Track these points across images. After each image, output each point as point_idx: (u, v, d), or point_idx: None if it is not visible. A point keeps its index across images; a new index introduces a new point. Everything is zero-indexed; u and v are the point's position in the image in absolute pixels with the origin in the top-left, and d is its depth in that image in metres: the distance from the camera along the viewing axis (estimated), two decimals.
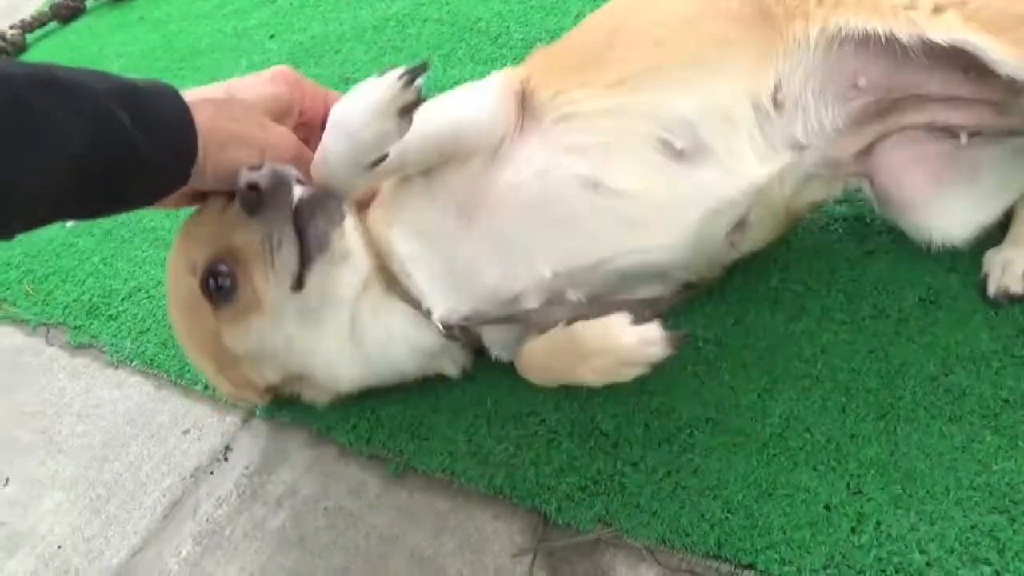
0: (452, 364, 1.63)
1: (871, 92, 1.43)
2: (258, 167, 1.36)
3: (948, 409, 1.39)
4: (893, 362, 1.47)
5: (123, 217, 2.47)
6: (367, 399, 1.68)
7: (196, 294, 1.44)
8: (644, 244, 1.43)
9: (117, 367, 2.06)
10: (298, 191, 1.41)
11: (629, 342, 1.34)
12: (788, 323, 1.57)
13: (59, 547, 1.71)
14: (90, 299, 2.24)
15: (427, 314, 1.52)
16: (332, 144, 1.36)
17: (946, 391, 1.41)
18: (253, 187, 1.36)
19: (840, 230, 1.69)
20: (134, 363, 2.03)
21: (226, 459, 1.73)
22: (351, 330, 1.53)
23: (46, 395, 2.08)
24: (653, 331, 1.32)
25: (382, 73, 1.31)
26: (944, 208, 1.51)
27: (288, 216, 1.40)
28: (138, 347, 2.04)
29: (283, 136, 1.41)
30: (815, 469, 1.38)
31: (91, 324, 2.17)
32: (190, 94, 1.30)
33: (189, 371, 1.93)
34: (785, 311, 1.59)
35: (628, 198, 1.40)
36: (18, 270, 2.47)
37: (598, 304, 1.48)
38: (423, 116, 1.35)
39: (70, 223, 2.55)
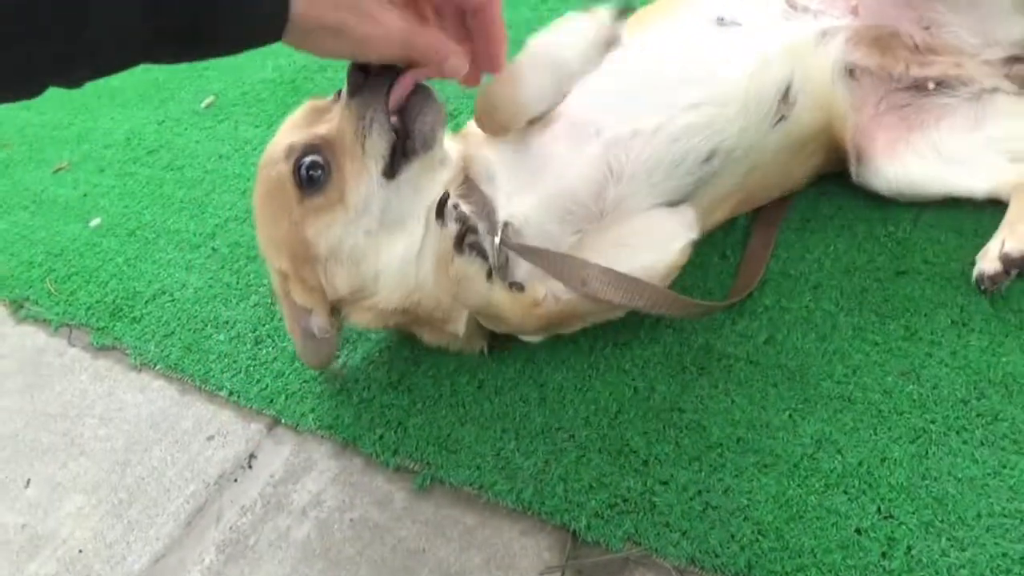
0: (464, 318, 1.62)
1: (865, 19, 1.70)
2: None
3: (980, 434, 1.38)
4: (925, 385, 1.46)
5: (148, 218, 2.48)
6: (393, 409, 1.68)
7: (286, 180, 1.47)
8: (699, 97, 1.56)
9: (140, 370, 2.04)
10: (408, 80, 1.40)
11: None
12: (820, 343, 1.57)
13: (80, 551, 1.70)
14: (113, 300, 2.23)
15: (494, 219, 1.56)
16: (532, 75, 1.46)
17: (978, 415, 1.40)
18: (362, 68, 1.38)
19: (872, 249, 1.69)
20: (158, 367, 2.01)
21: (250, 467, 1.72)
22: (421, 241, 1.54)
23: (68, 397, 2.06)
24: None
25: (587, 10, 1.43)
26: (911, 160, 1.65)
27: (382, 100, 1.41)
28: (162, 351, 2.03)
29: (388, 30, 1.24)
30: (846, 492, 1.37)
31: (114, 326, 2.16)
32: None
33: (214, 376, 1.92)
34: (817, 331, 1.59)
35: (683, 61, 1.56)
36: (41, 268, 2.46)
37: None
38: None
39: (94, 222, 2.53)
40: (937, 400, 1.44)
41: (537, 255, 1.49)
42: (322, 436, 1.71)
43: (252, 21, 1.07)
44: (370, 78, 1.39)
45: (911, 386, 1.47)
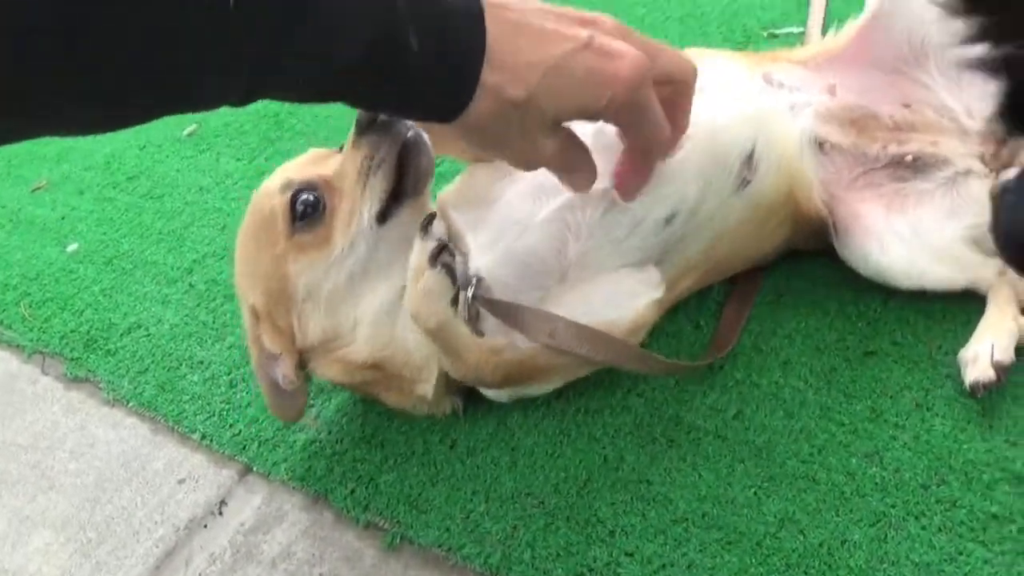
0: (433, 382, 1.65)
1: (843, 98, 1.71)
2: None
3: (938, 520, 1.41)
4: (888, 468, 1.49)
5: (125, 247, 2.49)
6: (365, 464, 1.69)
7: (277, 213, 1.51)
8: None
9: (113, 406, 2.05)
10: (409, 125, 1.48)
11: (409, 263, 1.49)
12: (787, 420, 1.59)
13: None
14: (88, 331, 2.24)
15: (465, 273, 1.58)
16: None
17: (937, 501, 1.43)
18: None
19: (843, 327, 1.72)
20: (131, 404, 2.02)
21: (221, 513, 1.74)
22: (397, 296, 1.58)
23: (39, 428, 2.07)
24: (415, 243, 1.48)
25: None
26: (891, 243, 1.65)
27: (396, 144, 1.48)
28: (135, 387, 2.04)
29: (538, 156, 1.25)
30: (806, 573, 1.39)
31: (88, 358, 2.17)
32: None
33: (187, 418, 1.93)
34: (785, 408, 1.61)
35: None
36: (15, 291, 2.46)
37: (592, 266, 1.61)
38: None
39: (71, 247, 2.54)
40: (898, 484, 1.47)
41: (505, 309, 1.52)
42: (293, 487, 1.73)
43: (436, 90, 1.09)
44: (382, 118, 1.45)
45: (874, 468, 1.49)
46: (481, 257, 1.56)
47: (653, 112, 1.27)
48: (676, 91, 1.31)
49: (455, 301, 1.49)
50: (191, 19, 0.85)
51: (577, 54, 1.14)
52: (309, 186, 1.50)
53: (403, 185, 1.51)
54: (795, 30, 2.52)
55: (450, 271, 1.48)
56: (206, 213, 2.58)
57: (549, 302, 1.59)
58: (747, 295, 1.79)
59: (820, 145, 1.71)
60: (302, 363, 1.65)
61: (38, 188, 2.94)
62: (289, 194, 1.50)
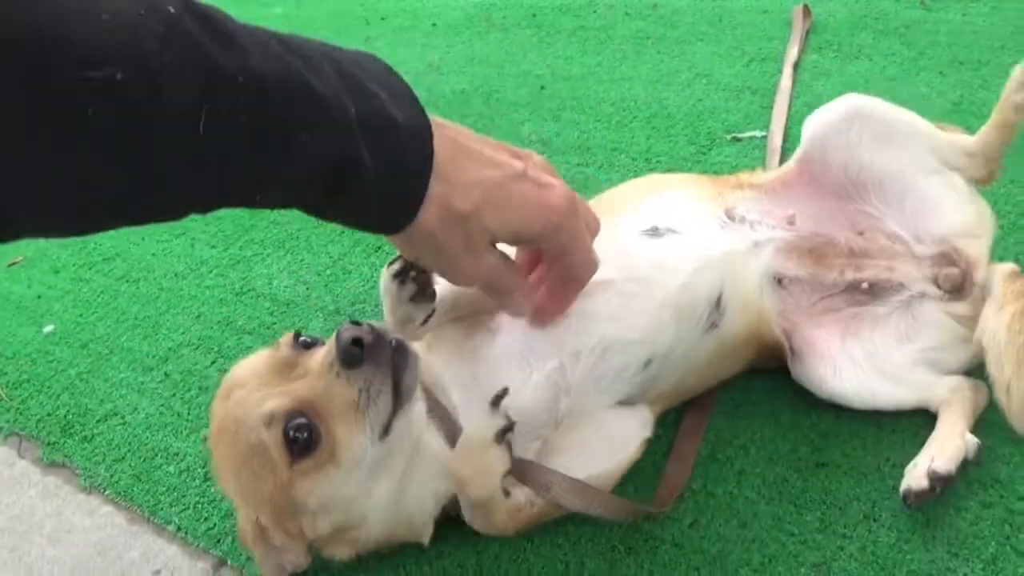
0: (431, 530, 1.68)
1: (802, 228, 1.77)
2: (358, 323, 1.45)
3: None
4: None
5: (101, 331, 2.54)
6: (336, 564, 1.72)
7: (269, 446, 1.47)
8: (637, 309, 1.64)
9: (90, 492, 2.08)
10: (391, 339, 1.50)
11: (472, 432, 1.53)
12: (740, 529, 1.65)
13: None
14: (65, 415, 2.28)
15: (455, 432, 1.63)
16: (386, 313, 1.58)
17: None
18: (357, 342, 1.44)
19: (796, 439, 1.78)
20: (107, 492, 2.06)
21: None
22: (406, 474, 1.60)
23: (16, 511, 2.10)
24: (481, 415, 1.54)
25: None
26: (844, 367, 1.72)
27: (388, 369, 1.48)
28: (112, 475, 2.08)
29: (481, 269, 1.31)
30: None
31: (64, 443, 2.21)
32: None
33: (162, 509, 1.97)
34: (739, 517, 1.67)
35: (620, 274, 1.62)
36: None
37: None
38: None
39: (47, 328, 2.58)
40: None
41: (515, 463, 1.57)
42: None
43: (386, 203, 1.15)
44: (367, 347, 1.45)
45: None
46: (477, 415, 1.59)
47: (584, 240, 1.38)
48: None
49: (506, 475, 1.55)
50: (160, 142, 0.91)
51: (514, 182, 1.26)
52: (296, 415, 1.45)
53: (399, 399, 1.50)
54: (758, 134, 2.59)
55: (509, 449, 1.55)
56: (181, 300, 2.63)
57: (548, 450, 1.66)
58: (704, 408, 1.87)
59: (779, 281, 1.79)
60: (310, 548, 1.67)
61: (14, 263, 2.98)
62: (279, 428, 1.44)
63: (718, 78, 2.90)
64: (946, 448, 1.60)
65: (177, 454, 2.07)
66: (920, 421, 1.73)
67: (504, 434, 1.52)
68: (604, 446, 1.67)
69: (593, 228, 1.43)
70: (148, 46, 0.87)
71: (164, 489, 2.02)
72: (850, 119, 1.78)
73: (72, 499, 2.10)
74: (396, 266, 1.55)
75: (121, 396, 2.31)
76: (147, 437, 2.17)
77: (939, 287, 1.75)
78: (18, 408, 2.36)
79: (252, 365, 1.58)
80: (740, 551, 1.63)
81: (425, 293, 1.58)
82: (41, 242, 3.02)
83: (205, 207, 1.02)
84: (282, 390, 1.49)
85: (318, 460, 1.48)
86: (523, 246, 1.36)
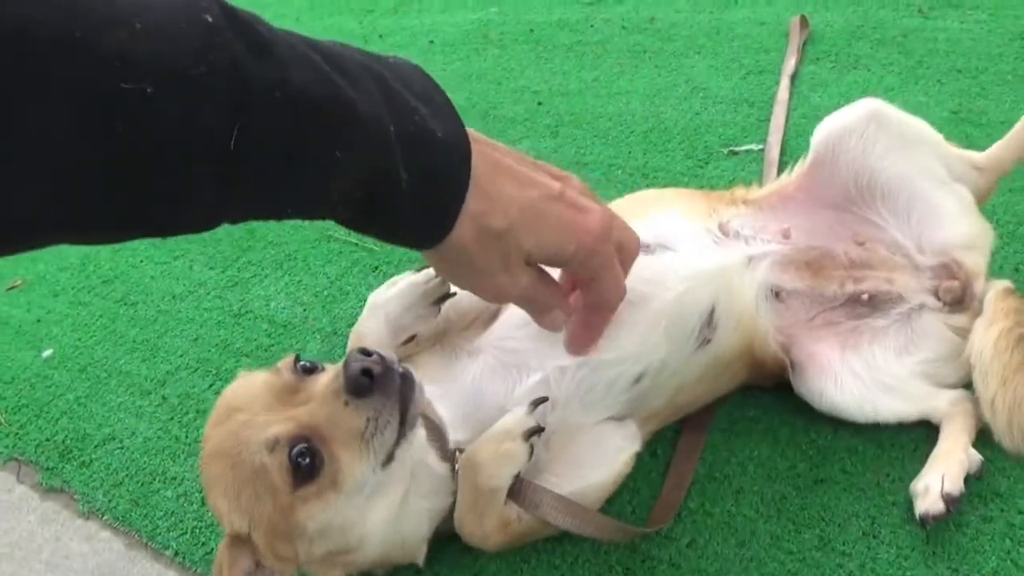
0: (426, 550, 1.68)
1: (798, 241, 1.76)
2: (368, 353, 1.44)
3: None
4: None
5: (100, 354, 2.54)
6: None
7: (272, 470, 1.46)
8: (624, 330, 1.63)
9: (88, 518, 2.08)
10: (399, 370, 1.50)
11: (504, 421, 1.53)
12: (738, 548, 1.65)
13: None
14: (63, 440, 2.28)
15: (447, 447, 1.64)
16: (370, 324, 1.61)
17: None
18: (367, 372, 1.43)
19: (794, 456, 1.77)
20: (105, 517, 2.06)
21: None
22: (402, 496, 1.60)
23: (15, 537, 2.10)
24: (520, 409, 1.55)
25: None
26: (845, 380, 1.71)
27: (396, 400, 1.48)
28: (110, 501, 2.08)
29: (515, 287, 1.27)
30: None
31: (63, 468, 2.20)
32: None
33: (160, 534, 1.97)
34: (736, 536, 1.67)
35: None
36: None
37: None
38: None
39: (46, 353, 2.58)
40: None
41: None
42: None
43: (421, 219, 1.12)
44: (377, 378, 1.44)
45: None
46: (463, 432, 1.61)
47: (615, 268, 1.35)
48: (623, 259, 1.39)
49: (517, 474, 1.56)
50: (189, 157, 0.88)
51: (551, 202, 1.23)
52: (300, 440, 1.44)
53: (404, 428, 1.50)
54: (755, 147, 2.58)
55: (531, 451, 1.56)
56: (179, 323, 2.62)
57: (536, 466, 1.64)
58: (701, 426, 1.86)
59: (776, 295, 1.78)
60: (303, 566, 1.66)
61: (13, 287, 2.98)
62: (284, 453, 1.44)
63: (715, 91, 2.89)
64: (952, 467, 1.59)
65: (175, 478, 2.06)
66: (918, 436, 1.72)
67: (532, 435, 1.55)
68: (590, 460, 1.66)
69: (632, 250, 1.41)
70: (183, 61, 0.85)
71: (162, 514, 2.02)
72: (867, 122, 1.78)
73: (71, 524, 2.09)
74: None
75: (119, 420, 2.31)
76: (145, 461, 2.16)
77: (939, 299, 1.74)
78: (17, 433, 2.35)
79: (250, 389, 1.56)
80: (738, 570, 1.62)
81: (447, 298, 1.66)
82: (40, 266, 3.04)
83: (234, 219, 1.00)
84: (286, 416, 1.48)
85: (320, 486, 1.47)
86: (557, 267, 1.34)
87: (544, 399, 1.57)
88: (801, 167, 1.89)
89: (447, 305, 1.74)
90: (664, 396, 1.73)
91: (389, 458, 1.50)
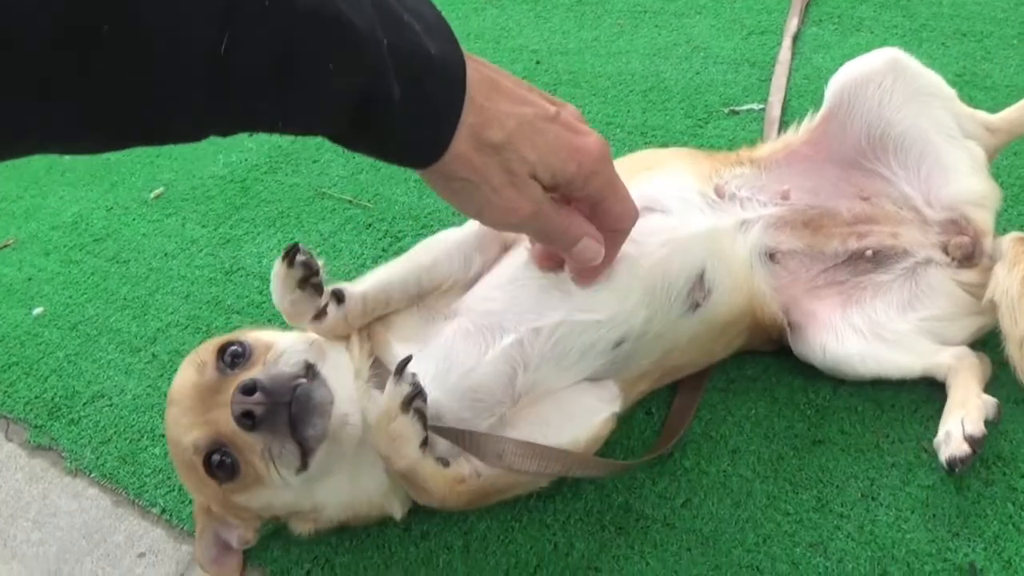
0: (400, 503, 1.66)
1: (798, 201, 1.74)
2: (252, 389, 1.43)
3: None
4: (832, 558, 1.52)
5: (90, 312, 2.51)
6: (321, 546, 1.72)
7: (199, 469, 1.52)
8: (600, 294, 1.59)
9: (75, 475, 2.06)
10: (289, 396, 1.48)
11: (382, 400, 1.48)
12: (734, 509, 1.62)
13: None
14: (52, 398, 2.25)
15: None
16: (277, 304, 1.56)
17: None
18: (248, 415, 1.43)
19: (792, 415, 1.74)
20: (93, 474, 2.03)
21: None
22: (355, 467, 1.60)
23: (2, 495, 2.08)
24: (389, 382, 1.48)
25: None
26: (847, 335, 1.68)
27: (286, 433, 1.47)
28: (97, 458, 2.06)
29: (525, 201, 1.23)
30: None
31: (51, 425, 2.18)
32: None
33: (147, 491, 1.95)
34: (732, 496, 1.64)
35: None
36: None
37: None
38: (409, 256, 1.65)
39: (37, 311, 2.55)
40: (842, 575, 1.49)
41: (454, 435, 1.54)
42: (251, 566, 1.74)
43: (415, 136, 1.10)
44: (259, 418, 1.43)
45: (818, 558, 1.52)
46: (430, 392, 1.55)
47: (620, 188, 1.33)
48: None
49: (424, 443, 1.51)
50: (179, 64, 0.86)
51: (547, 122, 1.21)
52: (215, 446, 1.49)
53: (307, 447, 1.49)
54: (756, 107, 2.55)
55: (421, 416, 1.50)
56: (170, 280, 2.59)
57: (506, 425, 1.61)
58: (698, 384, 1.81)
59: (771, 257, 1.74)
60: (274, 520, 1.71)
61: (5, 246, 2.95)
62: (201, 458, 1.50)
63: (716, 51, 2.86)
64: (970, 411, 1.55)
65: (163, 435, 2.03)
66: (918, 397, 1.70)
67: (411, 401, 1.48)
68: (564, 420, 1.61)
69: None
70: None
71: (149, 471, 2.00)
72: (885, 72, 1.74)
73: (58, 482, 2.07)
74: (286, 249, 1.54)
75: (108, 377, 2.28)
76: (133, 419, 2.14)
77: (948, 255, 1.70)
78: (6, 391, 2.33)
79: (182, 384, 1.58)
80: (734, 531, 1.59)
81: (310, 280, 1.56)
82: (32, 224, 3.03)
83: (224, 131, 0.98)
84: (204, 419, 1.51)
85: (243, 484, 1.52)
86: (557, 192, 1.30)
87: (408, 359, 1.49)
88: (810, 121, 1.85)
89: (420, 272, 1.68)
90: (650, 359, 1.69)
91: (304, 466, 1.51)
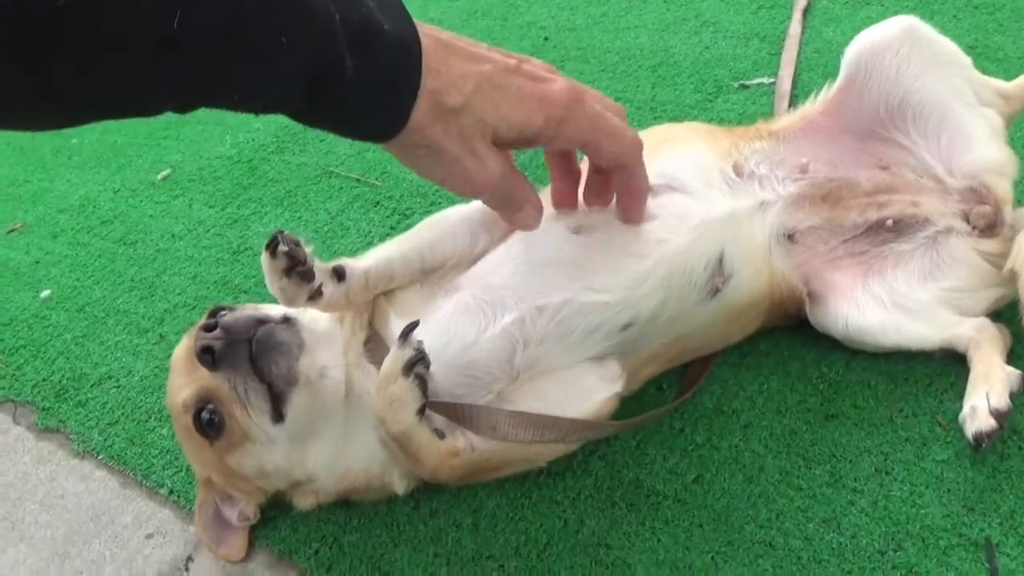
0: (401, 477, 1.65)
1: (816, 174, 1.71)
2: (213, 326, 1.47)
3: None
4: (845, 533, 1.50)
5: (98, 294, 2.51)
6: (329, 524, 1.71)
7: (191, 429, 1.55)
8: (611, 276, 1.56)
9: (83, 457, 2.05)
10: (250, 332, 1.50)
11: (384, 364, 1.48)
12: (746, 484, 1.60)
13: None
14: (60, 380, 2.24)
15: None
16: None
17: (894, 567, 1.44)
18: (207, 350, 1.46)
19: (804, 390, 1.72)
20: (100, 456, 2.03)
21: (187, 570, 1.75)
22: (344, 431, 1.60)
23: (10, 478, 2.07)
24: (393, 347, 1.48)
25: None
26: (867, 305, 1.65)
27: (247, 368, 1.50)
28: (105, 439, 2.05)
29: (486, 170, 1.22)
30: None
31: (59, 408, 2.17)
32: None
33: (155, 472, 1.94)
34: (744, 472, 1.62)
35: (605, 230, 1.54)
36: None
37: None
38: (414, 232, 1.65)
39: (44, 293, 2.55)
40: (855, 550, 1.47)
41: (447, 408, 1.52)
42: (259, 545, 1.73)
43: (373, 109, 1.10)
44: (219, 353, 1.47)
45: (831, 534, 1.50)
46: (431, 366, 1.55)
47: (603, 125, 1.30)
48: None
49: (422, 411, 1.50)
50: (132, 38, 0.86)
51: (508, 74, 1.19)
52: (201, 402, 1.53)
53: (276, 390, 1.52)
54: (766, 81, 2.53)
55: (422, 382, 1.49)
56: (178, 261, 2.59)
57: (504, 402, 1.58)
58: (709, 357, 1.79)
59: (789, 237, 1.71)
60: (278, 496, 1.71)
61: (13, 230, 2.95)
62: (191, 415, 1.54)
63: (725, 25, 2.83)
64: (994, 384, 1.53)
65: (171, 416, 2.01)
66: (932, 372, 1.68)
67: (413, 366, 1.47)
68: (563, 397, 1.58)
69: (616, 110, 1.35)
70: None
71: (157, 452, 1.99)
72: (902, 39, 1.71)
73: (66, 464, 2.07)
74: (269, 239, 1.52)
75: (116, 359, 2.28)
76: (141, 400, 2.13)
77: (969, 224, 1.68)
78: (14, 374, 2.33)
79: (179, 348, 1.65)
80: (746, 506, 1.58)
81: (296, 269, 1.53)
82: (40, 208, 3.04)
83: (181, 106, 0.98)
84: (193, 378, 1.55)
85: (231, 441, 1.54)
86: (529, 146, 1.27)
87: (414, 324, 1.49)
88: (828, 91, 1.82)
89: (424, 248, 1.66)
90: (660, 343, 1.66)
91: (279, 416, 1.53)
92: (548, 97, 1.22)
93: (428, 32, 1.14)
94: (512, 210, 1.35)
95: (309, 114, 1.10)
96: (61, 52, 0.83)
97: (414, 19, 1.12)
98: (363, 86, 1.06)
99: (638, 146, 1.37)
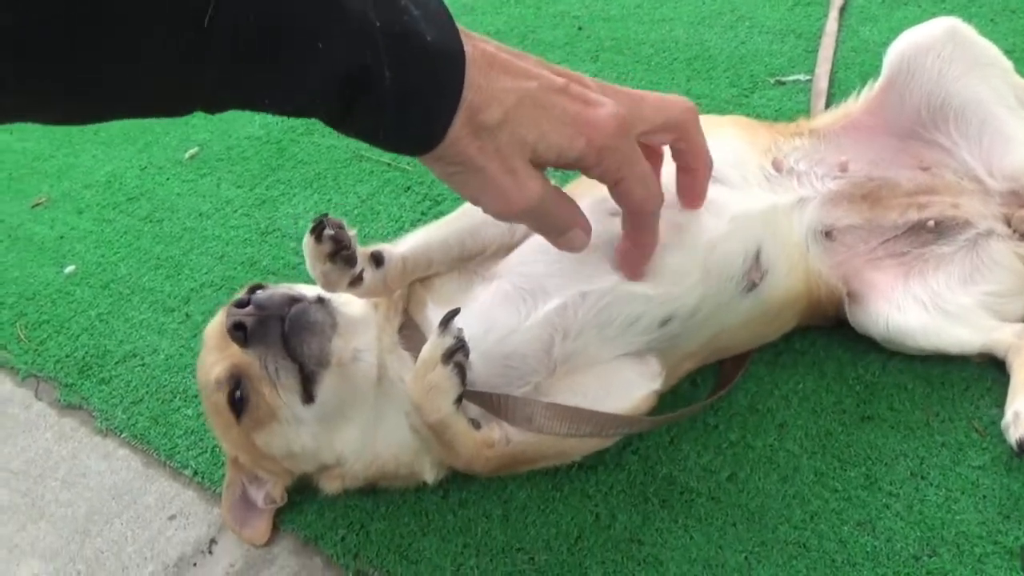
0: (431, 466, 1.63)
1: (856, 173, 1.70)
2: (246, 302, 1.46)
3: None
4: (880, 537, 1.48)
5: (123, 271, 2.50)
6: (356, 511, 1.70)
7: (222, 407, 1.54)
8: (654, 267, 1.52)
9: (106, 435, 2.04)
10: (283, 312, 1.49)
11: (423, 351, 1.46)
12: (781, 484, 1.58)
13: None
14: (83, 356, 2.23)
15: None
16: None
17: (928, 573, 1.42)
18: (239, 327, 1.45)
19: (840, 391, 1.71)
20: (123, 435, 2.02)
21: (211, 552, 1.73)
22: (375, 415, 1.60)
23: (31, 454, 2.06)
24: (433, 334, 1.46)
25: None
26: (909, 306, 1.64)
27: (279, 346, 1.48)
28: (128, 418, 2.04)
29: (524, 191, 1.17)
30: None
31: (82, 384, 2.16)
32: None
33: (179, 453, 1.92)
34: (779, 471, 1.60)
35: None
36: (11, 311, 2.46)
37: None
38: (453, 217, 1.63)
39: (68, 269, 2.53)
40: (890, 554, 1.46)
41: (484, 398, 1.51)
42: (284, 530, 1.73)
43: (408, 122, 1.06)
44: (251, 330, 1.46)
45: (866, 537, 1.49)
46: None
47: (638, 166, 1.25)
48: (680, 136, 1.33)
49: (459, 400, 1.48)
50: (163, 36, 0.84)
51: (553, 93, 1.14)
52: (232, 379, 1.53)
53: (307, 370, 1.51)
54: (802, 77, 2.51)
55: (461, 371, 1.47)
56: (205, 240, 2.58)
57: (541, 395, 1.57)
58: (745, 355, 1.77)
59: (827, 235, 1.69)
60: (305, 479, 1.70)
61: (38, 204, 2.94)
62: (224, 392, 1.54)
63: (762, 21, 2.82)
64: None
65: (195, 396, 2.01)
66: (970, 376, 1.66)
67: (452, 354, 1.45)
68: (601, 393, 1.56)
69: (679, 126, 1.32)
70: None
71: (181, 432, 1.98)
72: (945, 41, 1.71)
73: (88, 442, 2.06)
74: (314, 222, 1.51)
75: (141, 337, 2.27)
76: (166, 379, 2.12)
77: (1011, 227, 1.67)
78: (36, 349, 2.32)
79: (213, 324, 1.64)
80: (780, 506, 1.56)
81: (340, 254, 1.52)
82: (65, 183, 3.03)
83: (210, 106, 0.96)
84: (226, 355, 1.55)
85: (257, 419, 1.53)
86: (572, 169, 1.23)
87: (455, 312, 1.47)
88: (870, 91, 1.81)
89: (463, 234, 1.65)
90: (698, 340, 1.64)
91: (309, 397, 1.52)
92: (593, 123, 1.16)
93: (475, 43, 1.10)
94: (556, 233, 1.29)
95: (342, 122, 1.07)
96: (90, 46, 0.81)
97: (462, 28, 1.09)
98: (400, 97, 1.03)
99: (660, 201, 1.33)
